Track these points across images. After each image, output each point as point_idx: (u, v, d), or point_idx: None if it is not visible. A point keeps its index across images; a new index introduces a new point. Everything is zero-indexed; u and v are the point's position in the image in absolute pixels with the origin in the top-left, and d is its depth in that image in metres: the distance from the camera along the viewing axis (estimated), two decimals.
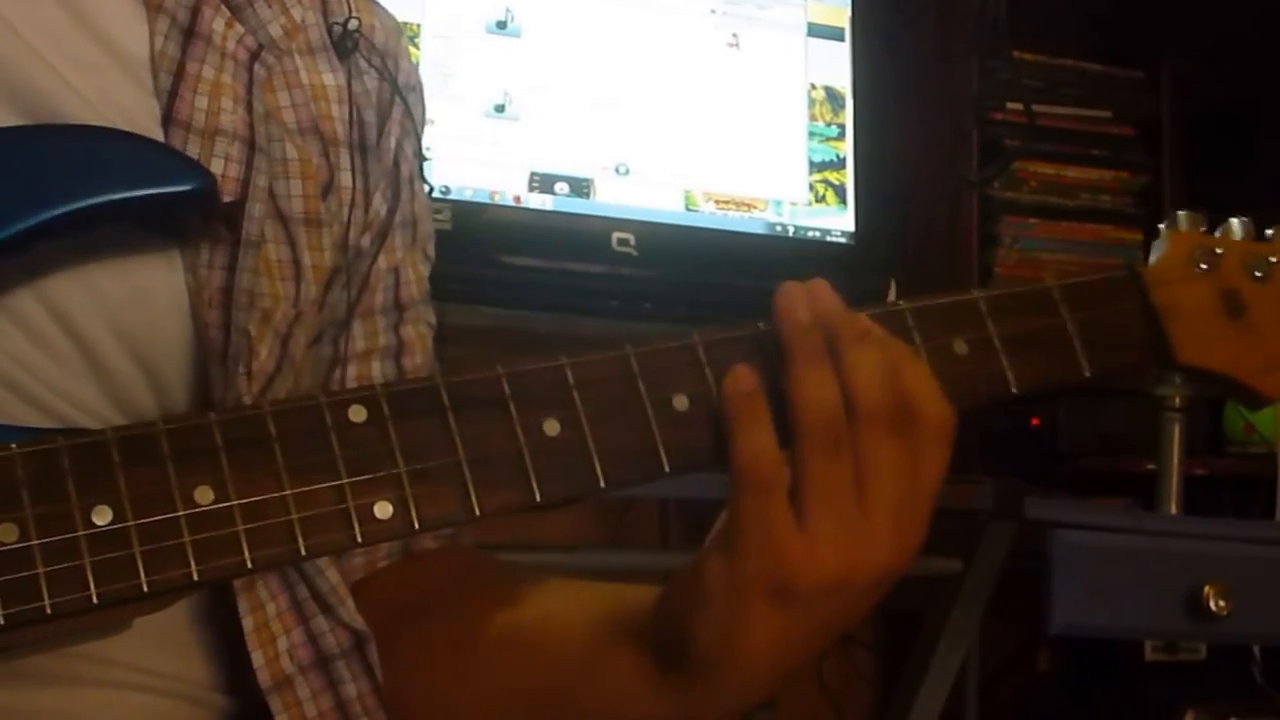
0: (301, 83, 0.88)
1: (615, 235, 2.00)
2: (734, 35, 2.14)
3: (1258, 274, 0.91)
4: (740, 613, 0.76)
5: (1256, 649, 2.37)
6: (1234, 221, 0.93)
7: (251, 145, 0.83)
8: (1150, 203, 2.64)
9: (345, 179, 0.89)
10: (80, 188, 0.73)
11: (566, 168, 2.01)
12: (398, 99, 0.94)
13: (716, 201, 2.09)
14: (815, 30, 2.20)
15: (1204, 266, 0.90)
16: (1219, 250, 0.91)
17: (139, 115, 0.80)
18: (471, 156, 1.97)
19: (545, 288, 1.96)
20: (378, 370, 0.93)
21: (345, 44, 0.91)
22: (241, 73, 0.84)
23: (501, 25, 2.00)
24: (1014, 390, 0.84)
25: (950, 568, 1.86)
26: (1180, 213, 0.93)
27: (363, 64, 0.92)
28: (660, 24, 2.10)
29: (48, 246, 0.73)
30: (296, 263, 0.85)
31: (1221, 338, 0.90)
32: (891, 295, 2.08)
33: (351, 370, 0.92)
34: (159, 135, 0.80)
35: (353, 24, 0.92)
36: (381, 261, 0.93)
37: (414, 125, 0.96)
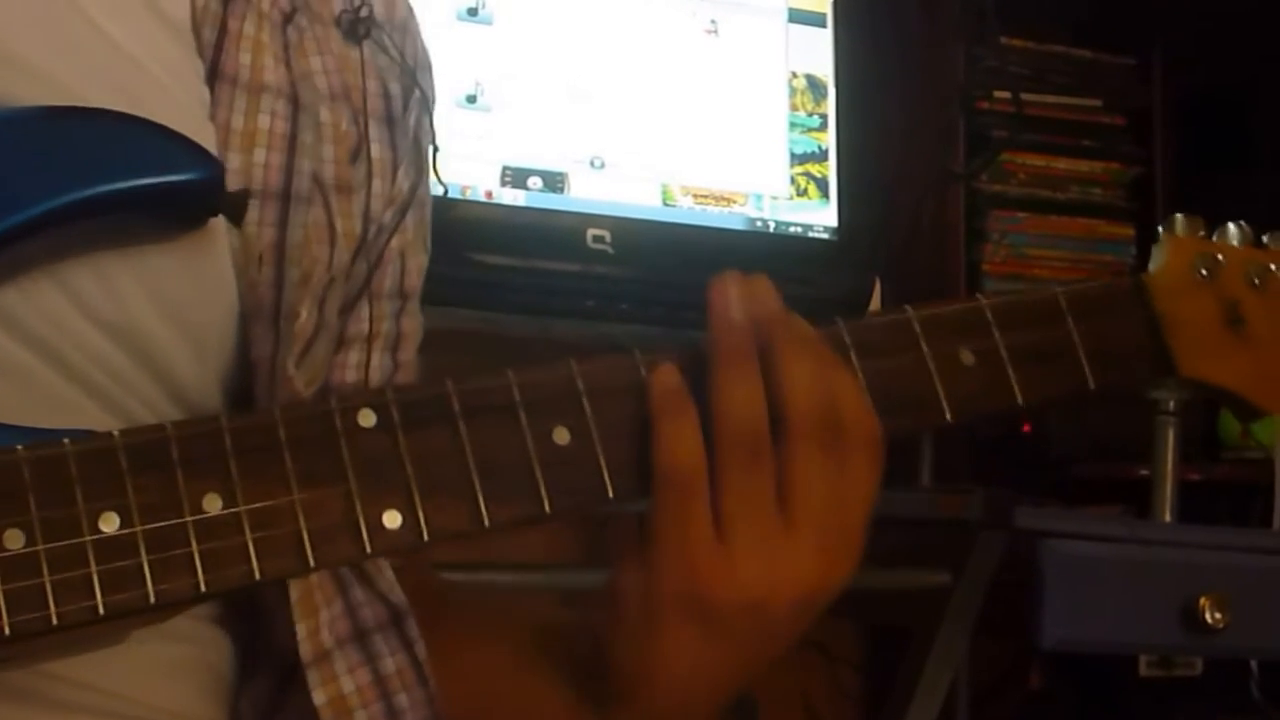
0: (333, 50, 0.88)
1: (590, 231, 1.95)
2: (712, 22, 2.09)
3: (1256, 281, 0.91)
4: (655, 628, 0.75)
5: (1254, 663, 2.35)
6: (1231, 227, 0.93)
7: (295, 102, 0.84)
8: (1142, 196, 2.63)
9: (374, 149, 0.89)
10: (85, 176, 0.72)
11: (540, 161, 1.96)
12: (418, 76, 0.94)
13: (695, 196, 2.04)
14: (796, 16, 2.15)
15: (1205, 274, 0.90)
16: (1220, 257, 0.91)
17: (184, 72, 0.81)
18: (441, 150, 1.90)
19: (518, 287, 1.91)
20: (376, 360, 0.93)
21: (358, 30, 0.90)
22: (277, 33, 0.85)
23: (472, 13, 1.95)
24: (1020, 404, 0.83)
25: (938, 580, 1.84)
26: (1178, 216, 0.92)
27: (386, 40, 0.92)
28: (636, 11, 2.05)
29: (75, 224, 0.73)
30: (331, 227, 0.85)
31: (1221, 350, 0.90)
32: (876, 293, 2.07)
33: (352, 356, 0.91)
34: (204, 92, 0.81)
35: (365, 11, 0.91)
36: (395, 241, 0.93)
37: (428, 104, 0.96)
